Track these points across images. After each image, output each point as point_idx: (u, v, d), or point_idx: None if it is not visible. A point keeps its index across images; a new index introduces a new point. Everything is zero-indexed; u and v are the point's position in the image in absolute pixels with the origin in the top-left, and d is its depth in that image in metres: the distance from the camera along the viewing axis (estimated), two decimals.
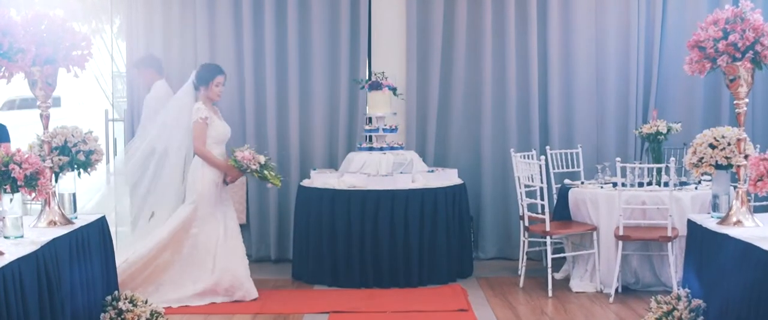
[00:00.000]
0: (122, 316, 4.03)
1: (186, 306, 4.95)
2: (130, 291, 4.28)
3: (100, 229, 4.08)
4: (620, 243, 5.05)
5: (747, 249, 3.24)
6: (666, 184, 5.05)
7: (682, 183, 5.31)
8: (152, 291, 4.92)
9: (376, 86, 5.94)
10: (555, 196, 5.79)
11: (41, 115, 3.79)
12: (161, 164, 5.23)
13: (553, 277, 5.29)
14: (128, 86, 6.48)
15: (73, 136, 3.98)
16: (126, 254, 4.99)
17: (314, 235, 5.63)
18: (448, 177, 5.83)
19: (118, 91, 6.90)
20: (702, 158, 4.00)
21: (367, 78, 6.34)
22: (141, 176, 5.26)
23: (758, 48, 3.55)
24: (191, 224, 5.08)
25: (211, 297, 5.05)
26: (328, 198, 5.58)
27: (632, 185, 5.14)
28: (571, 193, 5.49)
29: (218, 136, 5.18)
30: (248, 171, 5.07)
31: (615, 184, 5.17)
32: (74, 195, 4.04)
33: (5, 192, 3.27)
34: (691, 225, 4.04)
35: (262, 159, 5.10)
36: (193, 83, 5.26)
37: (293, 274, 5.94)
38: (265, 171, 5.08)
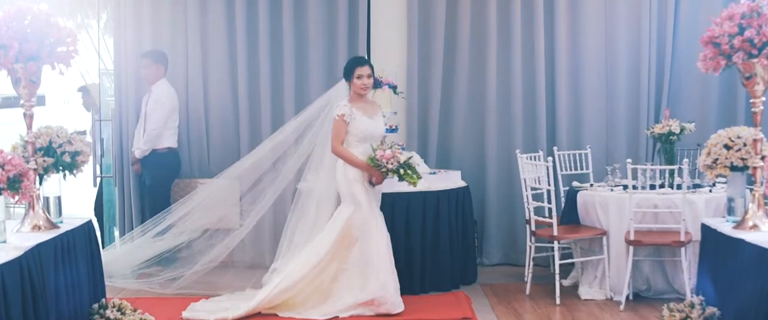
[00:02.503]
0: None
1: (353, 316, 4.74)
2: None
3: (86, 234, 4.02)
4: (631, 248, 4.95)
5: (763, 254, 3.21)
6: (679, 187, 4.97)
7: (696, 186, 5.22)
8: (318, 303, 4.75)
9: (375, 84, 5.79)
10: (563, 199, 5.69)
11: (25, 114, 3.72)
12: (317, 166, 5.09)
13: (560, 284, 5.21)
14: (116, 84, 6.36)
15: (58, 136, 3.93)
16: (280, 275, 4.80)
17: None
18: (450, 180, 5.73)
19: (106, 90, 6.78)
20: (716, 159, 3.95)
21: None
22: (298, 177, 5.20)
23: None
24: (351, 228, 4.83)
25: (375, 307, 4.77)
26: None
27: (644, 187, 5.06)
28: (579, 196, 5.40)
29: (360, 133, 4.87)
30: (383, 170, 4.77)
31: (625, 187, 5.09)
32: (59, 198, 3.96)
33: None
34: (705, 229, 4.00)
35: (402, 157, 4.78)
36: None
37: None
38: (401, 171, 4.74)
